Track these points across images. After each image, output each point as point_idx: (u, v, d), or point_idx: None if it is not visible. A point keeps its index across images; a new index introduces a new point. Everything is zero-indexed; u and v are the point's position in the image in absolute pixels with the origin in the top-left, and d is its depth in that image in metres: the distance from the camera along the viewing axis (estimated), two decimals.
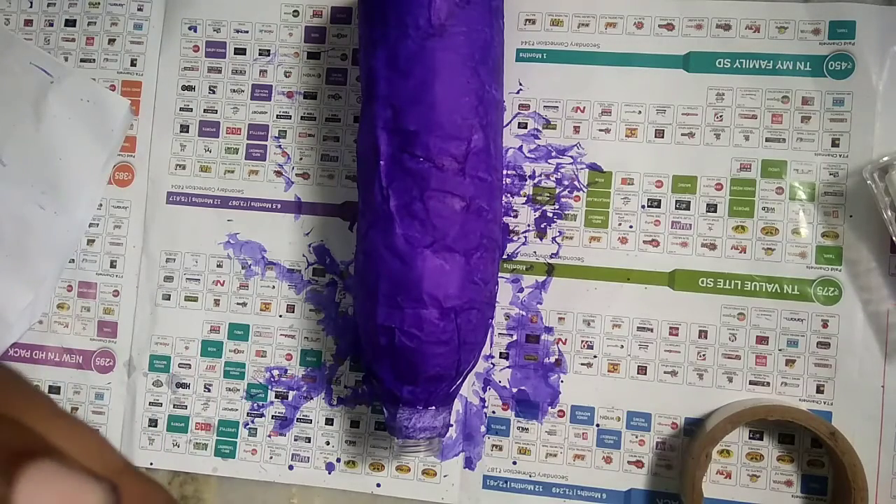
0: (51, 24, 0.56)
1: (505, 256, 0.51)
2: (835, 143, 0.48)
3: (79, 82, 0.55)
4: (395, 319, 0.43)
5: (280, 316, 0.53)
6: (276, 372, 0.53)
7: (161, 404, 0.54)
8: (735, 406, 0.47)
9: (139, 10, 0.56)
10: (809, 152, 0.49)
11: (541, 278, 0.51)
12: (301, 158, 0.54)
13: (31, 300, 0.54)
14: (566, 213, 0.51)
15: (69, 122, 0.54)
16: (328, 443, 0.52)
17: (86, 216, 0.55)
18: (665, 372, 0.49)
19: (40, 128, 0.54)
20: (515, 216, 0.51)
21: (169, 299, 0.54)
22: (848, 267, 0.48)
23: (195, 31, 0.55)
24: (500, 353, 0.51)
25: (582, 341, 0.50)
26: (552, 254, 0.51)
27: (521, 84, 0.51)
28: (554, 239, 0.51)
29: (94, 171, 0.55)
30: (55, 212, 0.54)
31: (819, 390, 0.48)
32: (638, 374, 0.49)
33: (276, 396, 0.53)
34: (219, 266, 0.54)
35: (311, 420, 0.52)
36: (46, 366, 0.55)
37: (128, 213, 0.55)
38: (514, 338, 0.51)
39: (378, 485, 0.51)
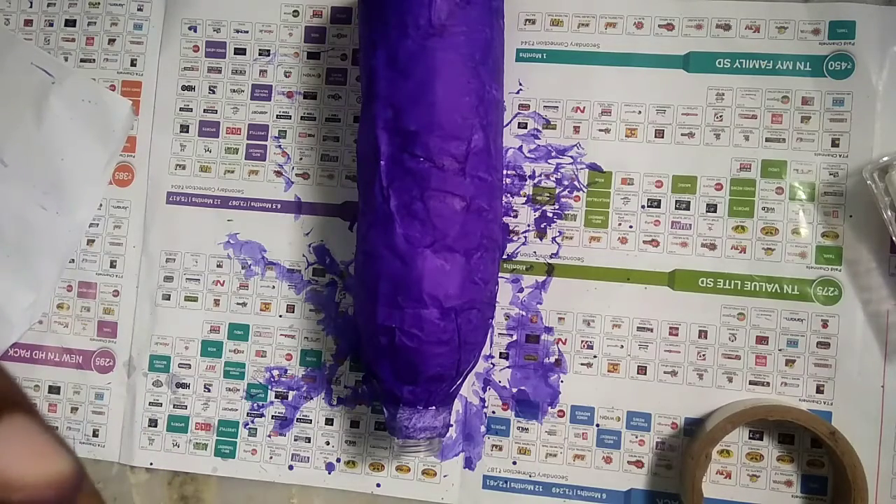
0: (51, 24, 0.56)
1: (505, 256, 0.51)
2: (835, 143, 0.48)
3: (80, 83, 0.55)
4: (396, 319, 0.43)
5: (280, 316, 0.53)
6: (276, 372, 0.53)
7: (161, 404, 0.54)
8: (735, 406, 0.47)
9: (139, 10, 0.56)
10: (809, 152, 0.49)
11: (541, 278, 0.51)
12: (301, 158, 0.54)
13: (34, 300, 0.54)
14: (566, 213, 0.51)
15: (71, 122, 0.54)
16: (328, 443, 0.52)
17: (87, 216, 0.55)
18: (665, 372, 0.49)
19: (42, 128, 0.54)
20: (515, 216, 0.51)
21: (169, 299, 0.54)
22: (848, 267, 0.48)
23: (195, 31, 0.55)
24: (500, 353, 0.51)
25: (582, 341, 0.50)
26: (552, 254, 0.51)
27: (521, 84, 0.51)
28: (554, 239, 0.51)
29: (96, 171, 0.55)
30: (57, 212, 0.54)
31: (819, 390, 0.48)
32: (638, 374, 0.49)
33: (276, 396, 0.53)
34: (219, 266, 0.54)
35: (311, 420, 0.52)
36: (46, 366, 0.55)
37: (128, 213, 0.55)
38: (514, 338, 0.51)
39: (378, 485, 0.51)
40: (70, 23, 0.56)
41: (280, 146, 0.54)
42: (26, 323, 0.55)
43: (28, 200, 0.54)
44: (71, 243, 0.55)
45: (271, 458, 0.52)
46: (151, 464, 0.54)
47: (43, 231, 0.54)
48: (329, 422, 0.52)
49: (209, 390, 0.53)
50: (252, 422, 0.53)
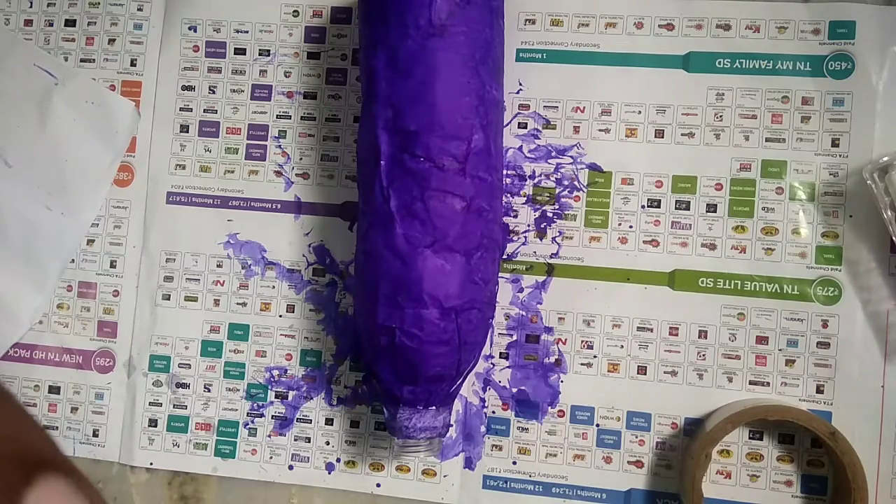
0: (51, 24, 0.56)
1: (505, 256, 0.51)
2: (835, 143, 0.48)
3: (83, 84, 0.55)
4: (396, 319, 0.43)
5: (280, 316, 0.53)
6: (276, 372, 0.53)
7: (161, 404, 0.54)
8: (735, 406, 0.47)
9: (139, 10, 0.56)
10: (809, 152, 0.49)
11: (541, 278, 0.51)
12: (301, 158, 0.54)
13: (40, 300, 0.55)
14: (566, 213, 0.51)
15: (74, 123, 0.55)
16: (328, 443, 0.52)
17: (91, 217, 0.55)
18: (665, 372, 0.49)
19: (46, 129, 0.54)
20: (515, 216, 0.51)
21: (169, 299, 0.54)
22: (848, 267, 0.48)
23: (195, 31, 0.55)
24: (500, 353, 0.51)
25: (582, 341, 0.50)
26: (552, 254, 0.51)
27: (521, 84, 0.51)
28: (554, 239, 0.51)
29: (100, 172, 0.55)
30: (62, 213, 0.55)
31: (819, 390, 0.48)
32: (638, 374, 0.49)
33: (276, 396, 0.53)
34: (219, 266, 0.54)
35: (311, 420, 0.52)
36: (46, 366, 0.55)
37: (128, 213, 0.55)
38: (514, 338, 0.51)
39: (378, 485, 0.51)
40: (70, 23, 0.56)
41: (280, 146, 0.54)
42: (29, 322, 0.55)
43: (33, 201, 0.54)
44: (75, 244, 0.55)
45: (271, 458, 0.53)
46: (151, 464, 0.54)
47: (49, 231, 0.54)
48: (329, 422, 0.52)
49: (209, 390, 0.53)
50: (252, 422, 0.53)
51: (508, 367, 0.51)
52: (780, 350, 0.48)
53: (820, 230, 0.48)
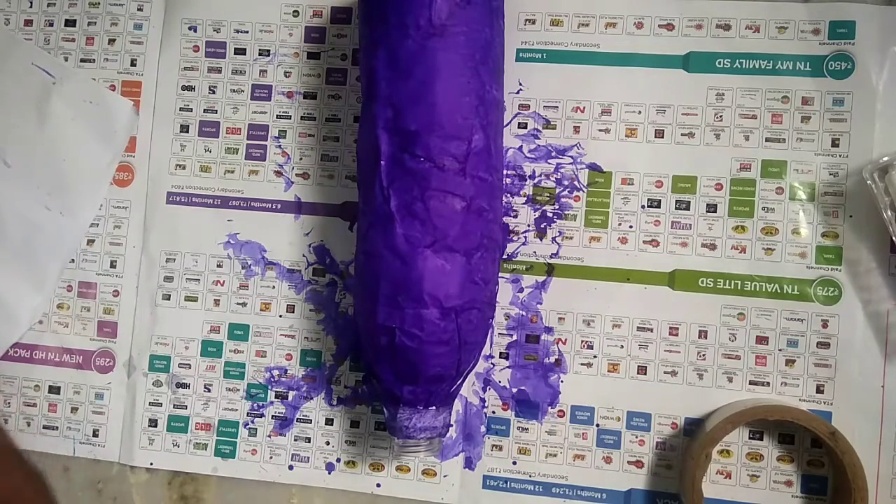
0: (51, 24, 0.56)
1: (505, 256, 0.51)
2: (835, 143, 0.48)
3: (82, 84, 0.55)
4: (396, 319, 0.43)
5: (280, 316, 0.53)
6: (276, 372, 0.53)
7: (161, 404, 0.54)
8: (735, 406, 0.47)
9: (139, 10, 0.56)
10: (809, 152, 0.49)
11: (541, 278, 0.51)
12: (301, 158, 0.54)
13: (39, 299, 0.55)
14: (566, 213, 0.51)
15: (73, 123, 0.55)
16: (328, 443, 0.52)
17: (90, 217, 0.55)
18: (665, 372, 0.49)
19: (44, 129, 0.54)
20: (515, 216, 0.51)
21: (169, 299, 0.54)
22: (848, 267, 0.48)
23: (195, 31, 0.55)
24: (500, 353, 0.51)
25: (582, 341, 0.50)
26: (552, 254, 0.51)
27: (521, 84, 0.51)
28: (554, 239, 0.51)
29: (99, 172, 0.55)
30: (61, 212, 0.55)
31: (819, 390, 0.48)
32: (638, 374, 0.49)
33: (276, 396, 0.53)
34: (219, 266, 0.54)
35: (311, 420, 0.52)
36: (46, 366, 0.55)
37: (128, 213, 0.55)
38: (514, 338, 0.51)
39: (378, 485, 0.51)
40: (70, 23, 0.56)
41: (280, 146, 0.54)
42: (28, 322, 0.55)
43: (32, 201, 0.55)
44: (74, 243, 0.55)
45: (271, 458, 0.53)
46: (151, 464, 0.54)
47: (47, 231, 0.54)
48: (329, 422, 0.52)
49: (209, 390, 0.53)
50: (252, 422, 0.53)
51: (508, 367, 0.51)
52: (780, 350, 0.48)
53: (820, 230, 0.48)
